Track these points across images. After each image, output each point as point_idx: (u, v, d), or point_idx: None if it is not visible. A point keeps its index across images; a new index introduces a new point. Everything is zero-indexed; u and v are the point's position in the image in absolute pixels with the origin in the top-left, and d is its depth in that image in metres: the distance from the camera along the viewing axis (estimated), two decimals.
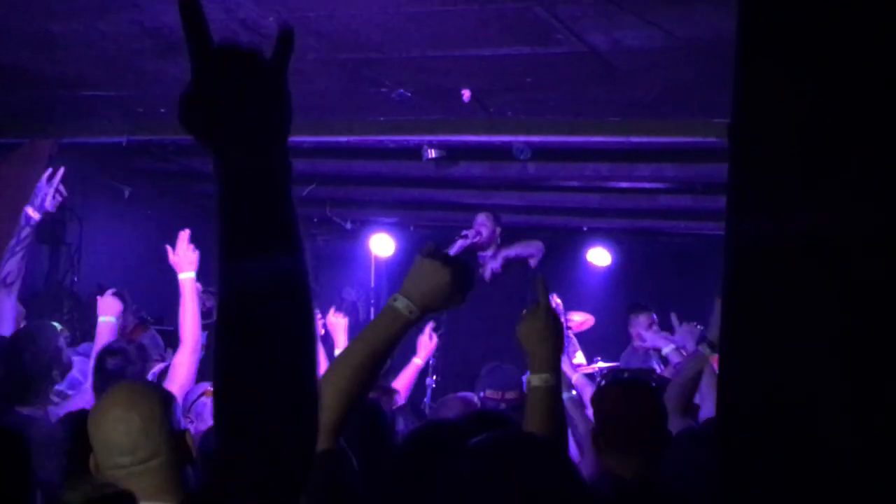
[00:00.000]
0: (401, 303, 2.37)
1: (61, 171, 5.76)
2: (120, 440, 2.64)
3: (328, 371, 2.37)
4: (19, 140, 8.30)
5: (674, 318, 5.93)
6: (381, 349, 2.38)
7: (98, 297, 6.08)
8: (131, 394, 2.77)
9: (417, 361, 6.61)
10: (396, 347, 2.40)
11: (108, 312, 5.64)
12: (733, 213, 1.64)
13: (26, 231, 5.65)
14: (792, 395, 1.50)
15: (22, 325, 5.57)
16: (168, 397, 2.82)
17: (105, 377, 4.77)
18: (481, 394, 5.59)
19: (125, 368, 4.89)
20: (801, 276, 1.52)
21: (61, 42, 6.03)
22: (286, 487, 1.34)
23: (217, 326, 1.33)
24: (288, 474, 1.34)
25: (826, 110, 1.54)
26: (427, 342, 6.65)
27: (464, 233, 8.45)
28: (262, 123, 1.33)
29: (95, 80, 6.89)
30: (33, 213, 5.66)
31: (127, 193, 9.90)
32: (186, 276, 5.35)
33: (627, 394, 3.83)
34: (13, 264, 5.52)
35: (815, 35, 1.56)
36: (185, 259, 5.40)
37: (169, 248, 5.70)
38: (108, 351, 5.02)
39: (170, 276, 9.81)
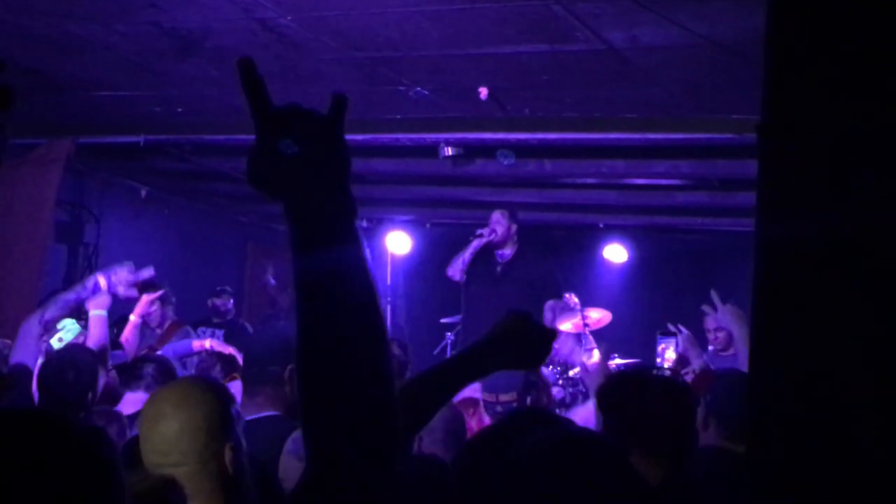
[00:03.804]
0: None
1: (151, 272, 5.64)
2: (155, 438, 2.61)
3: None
4: (38, 141, 8.33)
5: (714, 296, 5.79)
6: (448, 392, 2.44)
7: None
8: (183, 393, 2.70)
9: None
10: (460, 390, 2.47)
11: (100, 307, 5.66)
12: (763, 212, 1.63)
13: (85, 294, 5.51)
14: (823, 396, 1.50)
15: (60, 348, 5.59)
16: (222, 407, 2.69)
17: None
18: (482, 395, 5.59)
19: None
20: (831, 275, 1.51)
21: (80, 44, 6.05)
22: (372, 460, 1.47)
23: (297, 307, 1.47)
24: (370, 446, 1.47)
25: (857, 111, 1.53)
26: None
27: (479, 231, 8.46)
28: (323, 174, 1.47)
29: (113, 80, 6.92)
30: (103, 284, 5.50)
31: (144, 193, 9.94)
32: (97, 314, 5.61)
33: (648, 390, 3.75)
34: (57, 312, 5.45)
35: (846, 35, 1.56)
36: (97, 299, 5.63)
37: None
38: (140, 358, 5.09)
39: (186, 275, 9.88)
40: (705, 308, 5.93)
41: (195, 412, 2.62)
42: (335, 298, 1.46)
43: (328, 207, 1.46)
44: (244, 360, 4.05)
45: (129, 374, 5.65)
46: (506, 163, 7.96)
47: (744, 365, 4.90)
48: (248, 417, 3.52)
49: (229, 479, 2.62)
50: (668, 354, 6.82)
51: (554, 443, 2.08)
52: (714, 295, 5.75)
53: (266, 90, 1.44)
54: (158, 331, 8.31)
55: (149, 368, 5.49)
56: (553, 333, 2.50)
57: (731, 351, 7.18)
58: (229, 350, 7.11)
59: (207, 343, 7.34)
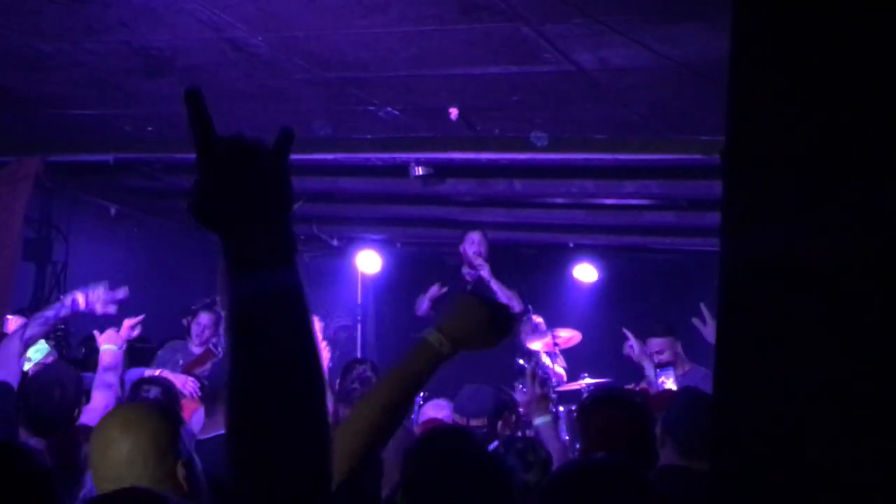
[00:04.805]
0: (434, 337, 2.36)
1: (125, 292, 5.63)
2: (105, 465, 2.60)
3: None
4: (6, 158, 8.28)
5: (704, 309, 5.78)
6: (413, 383, 2.37)
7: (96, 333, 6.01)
8: (127, 418, 2.69)
9: None
10: (427, 382, 2.39)
11: (110, 342, 5.60)
12: (727, 234, 1.63)
13: (64, 312, 5.51)
14: (789, 422, 1.50)
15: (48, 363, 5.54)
16: (168, 426, 2.70)
17: None
18: (452, 415, 5.61)
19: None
20: (797, 298, 1.52)
21: (50, 62, 6.03)
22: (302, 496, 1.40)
23: (227, 336, 1.41)
24: (301, 480, 1.40)
25: (823, 130, 1.54)
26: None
27: (477, 265, 8.43)
28: (266, 209, 1.42)
29: (83, 99, 6.89)
30: (81, 302, 5.48)
31: (113, 211, 9.89)
32: (107, 348, 5.53)
33: (611, 410, 3.79)
34: (37, 330, 5.42)
35: (811, 54, 1.57)
36: (111, 336, 5.60)
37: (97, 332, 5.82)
38: (145, 380, 5.04)
39: (155, 294, 9.83)
40: (695, 321, 5.95)
41: (141, 435, 2.62)
42: (268, 341, 1.39)
43: (268, 244, 1.41)
44: (207, 380, 4.09)
45: (133, 395, 5.59)
46: (539, 144, 7.82)
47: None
48: (207, 435, 3.55)
49: (185, 496, 2.63)
50: (668, 385, 6.84)
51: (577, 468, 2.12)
52: (704, 309, 5.78)
53: (210, 119, 1.40)
54: (195, 349, 8.14)
55: (153, 391, 5.43)
56: (505, 306, 2.50)
57: (678, 371, 7.21)
58: (178, 382, 7.00)
59: (157, 372, 7.25)
